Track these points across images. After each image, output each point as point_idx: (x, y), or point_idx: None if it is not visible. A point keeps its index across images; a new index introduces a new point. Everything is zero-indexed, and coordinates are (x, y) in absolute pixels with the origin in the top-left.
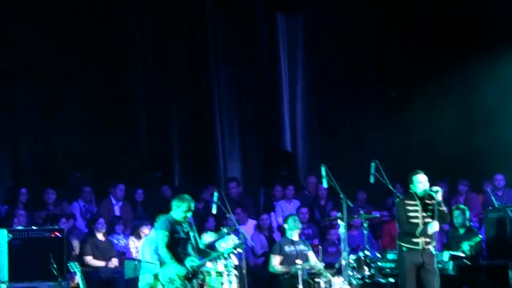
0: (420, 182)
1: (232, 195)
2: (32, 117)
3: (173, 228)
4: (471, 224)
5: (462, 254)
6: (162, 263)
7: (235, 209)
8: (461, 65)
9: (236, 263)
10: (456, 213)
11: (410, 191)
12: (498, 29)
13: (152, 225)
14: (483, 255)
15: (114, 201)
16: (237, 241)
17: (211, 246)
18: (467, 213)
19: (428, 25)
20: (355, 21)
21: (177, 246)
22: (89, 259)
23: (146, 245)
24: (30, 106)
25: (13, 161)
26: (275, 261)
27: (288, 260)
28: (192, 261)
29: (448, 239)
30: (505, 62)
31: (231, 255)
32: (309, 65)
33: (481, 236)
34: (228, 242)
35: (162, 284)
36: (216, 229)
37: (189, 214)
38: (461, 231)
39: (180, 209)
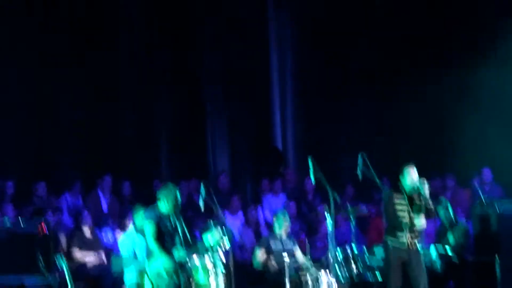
0: (411, 175)
1: (221, 187)
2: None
3: (160, 220)
4: (456, 216)
5: (447, 246)
6: (149, 255)
7: (229, 197)
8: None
9: (223, 259)
10: (439, 207)
11: (398, 185)
12: None
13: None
14: (470, 250)
15: (101, 195)
16: (223, 234)
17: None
18: (449, 206)
19: None
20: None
21: (164, 238)
22: (76, 252)
23: (125, 241)
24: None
25: None
26: (260, 255)
27: (274, 256)
28: (179, 253)
29: (436, 234)
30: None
31: (219, 251)
32: (299, 60)
33: (464, 225)
34: (215, 235)
35: (149, 278)
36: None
37: (176, 205)
38: (447, 223)
39: (166, 200)
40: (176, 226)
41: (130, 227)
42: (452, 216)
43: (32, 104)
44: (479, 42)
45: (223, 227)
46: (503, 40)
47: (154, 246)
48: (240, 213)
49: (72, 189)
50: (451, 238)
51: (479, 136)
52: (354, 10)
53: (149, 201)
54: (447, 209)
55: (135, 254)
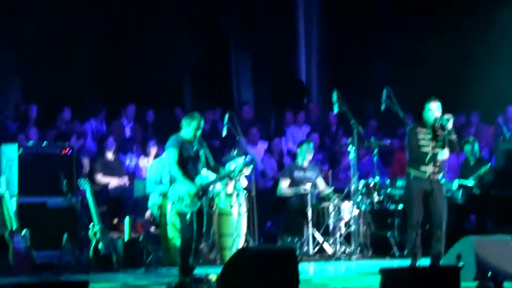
0: (433, 109)
1: (245, 117)
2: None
3: (183, 146)
4: (482, 154)
5: (470, 184)
6: (172, 181)
7: (250, 129)
8: None
9: (246, 184)
10: (466, 147)
11: (422, 119)
12: None
13: (158, 144)
14: (492, 185)
15: (125, 121)
16: (247, 160)
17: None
18: (476, 145)
19: None
20: None
21: (187, 165)
22: (99, 177)
23: (153, 165)
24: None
25: (24, 78)
26: (284, 184)
27: (297, 184)
28: (202, 179)
29: (460, 169)
30: None
31: (241, 177)
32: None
33: (489, 164)
34: (237, 163)
35: (171, 202)
36: (224, 151)
37: (199, 132)
38: (472, 162)
39: (190, 127)
40: (199, 153)
41: (159, 152)
42: (478, 154)
43: (59, 31)
44: None
45: (246, 155)
46: None
47: (177, 172)
48: (262, 144)
49: (97, 115)
50: (476, 177)
51: (505, 73)
52: None
53: (173, 128)
54: (473, 146)
55: (161, 179)
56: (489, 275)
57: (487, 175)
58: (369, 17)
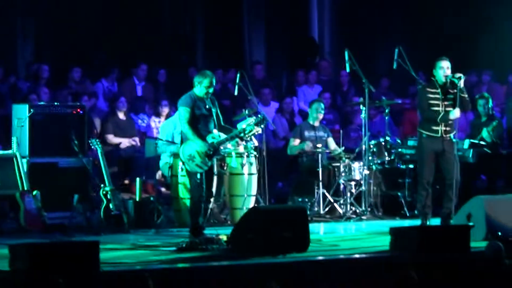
0: (444, 68)
1: (257, 77)
2: None
3: (195, 104)
4: (494, 112)
5: (482, 142)
6: (183, 140)
7: (262, 89)
8: None
9: (257, 144)
10: (479, 102)
11: (432, 78)
12: None
13: (170, 105)
14: (503, 143)
15: (136, 81)
16: (258, 118)
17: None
18: (490, 102)
19: None
20: None
21: (198, 123)
22: (111, 137)
23: (166, 125)
24: None
25: (35, 37)
26: (294, 143)
27: (308, 144)
28: (213, 137)
29: (470, 128)
30: None
31: (252, 137)
32: None
33: (498, 120)
34: (249, 122)
35: (182, 161)
36: (235, 111)
37: (211, 90)
38: (483, 119)
39: (202, 85)
40: (211, 111)
41: (170, 112)
42: (491, 111)
43: None
44: None
45: (258, 114)
46: None
47: (188, 130)
48: (273, 104)
49: (108, 75)
50: (485, 133)
51: None
52: None
53: (185, 88)
54: (488, 102)
55: (173, 139)
56: (499, 235)
57: (497, 130)
58: None
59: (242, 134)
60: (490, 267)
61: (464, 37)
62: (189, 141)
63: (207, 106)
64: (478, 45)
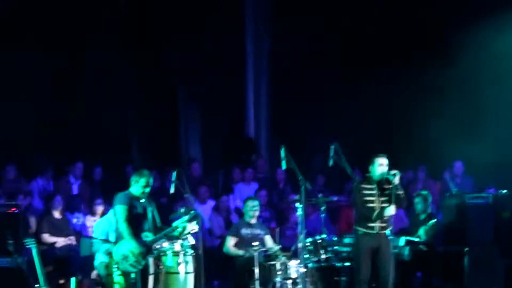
0: (381, 165)
1: (194, 174)
2: None
3: (131, 203)
4: (432, 211)
5: (418, 239)
6: (118, 239)
7: (198, 187)
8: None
9: (193, 243)
10: (417, 199)
11: (367, 175)
12: None
13: (105, 203)
14: (439, 241)
15: (72, 180)
16: (193, 219)
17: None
18: (429, 199)
19: None
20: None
21: (133, 222)
22: (46, 236)
23: (100, 224)
24: None
25: None
26: (231, 243)
27: (244, 242)
28: (146, 236)
29: (409, 225)
30: None
31: (188, 235)
32: (274, 53)
33: (435, 220)
34: (185, 221)
35: (116, 261)
36: (171, 208)
37: (147, 190)
38: (422, 217)
39: (138, 184)
40: (147, 211)
41: (105, 210)
42: (429, 210)
43: (5, 87)
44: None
45: (194, 212)
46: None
47: (124, 229)
48: (210, 202)
49: (44, 173)
50: (422, 232)
51: (450, 130)
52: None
53: (121, 187)
54: (427, 200)
55: (107, 237)
56: None
57: (433, 229)
58: (317, 72)
59: (175, 232)
60: None
61: (399, 134)
62: (124, 241)
63: (142, 206)
64: (412, 142)
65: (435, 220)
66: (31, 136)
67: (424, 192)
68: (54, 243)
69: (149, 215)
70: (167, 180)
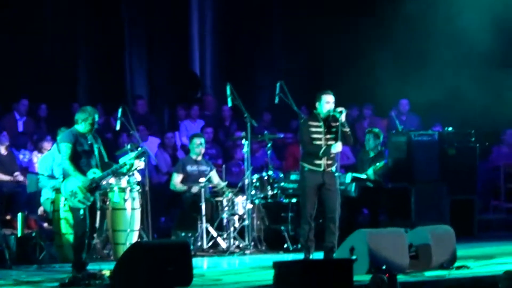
0: (327, 102)
1: (139, 112)
2: None
3: (76, 140)
4: (383, 148)
5: (365, 177)
6: (64, 176)
7: (138, 126)
8: None
9: (139, 179)
10: (368, 136)
11: (314, 112)
12: None
13: (53, 140)
14: (385, 180)
15: (18, 117)
16: (139, 156)
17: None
18: (381, 137)
19: None
20: None
21: (80, 159)
22: None
23: (45, 160)
24: None
25: None
26: (177, 179)
27: (190, 179)
28: (94, 173)
29: (356, 161)
30: None
31: (135, 171)
32: None
33: (385, 161)
34: (131, 157)
35: (64, 198)
36: (116, 144)
37: (94, 127)
38: (371, 154)
39: (84, 122)
40: (93, 147)
41: (51, 147)
42: (379, 147)
43: None
44: None
45: (139, 149)
46: None
47: (69, 166)
48: (153, 139)
49: None
50: (370, 171)
51: (396, 68)
52: None
53: (66, 123)
54: (377, 138)
55: (53, 173)
56: (383, 268)
57: (382, 170)
58: (262, 8)
59: (123, 169)
60: None
61: (346, 70)
62: (71, 177)
63: (89, 142)
64: (359, 78)
65: (385, 161)
66: None
67: (376, 130)
68: (0, 180)
69: (96, 151)
70: (112, 116)
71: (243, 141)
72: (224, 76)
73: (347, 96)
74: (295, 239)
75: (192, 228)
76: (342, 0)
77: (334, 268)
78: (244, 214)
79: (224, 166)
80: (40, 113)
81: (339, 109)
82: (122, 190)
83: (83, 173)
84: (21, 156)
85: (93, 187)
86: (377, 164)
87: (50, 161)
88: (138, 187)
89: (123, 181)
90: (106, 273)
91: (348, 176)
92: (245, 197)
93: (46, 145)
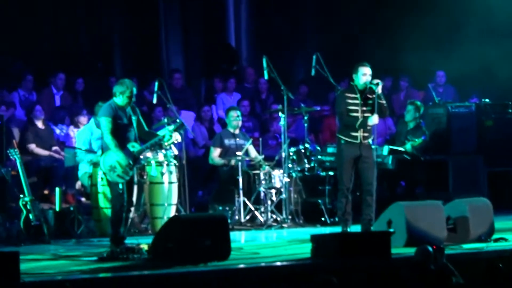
0: (364, 74)
1: (175, 86)
2: None
3: (116, 114)
4: (421, 121)
5: (402, 149)
6: (104, 150)
7: (184, 95)
8: None
9: (176, 153)
10: (409, 107)
11: (351, 83)
12: None
13: (89, 114)
14: (423, 153)
15: (54, 91)
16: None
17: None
18: (422, 110)
19: None
20: None
21: (119, 132)
22: (33, 147)
23: (82, 134)
24: None
25: None
26: (215, 153)
27: (228, 152)
28: (133, 146)
29: (395, 133)
30: None
31: (172, 145)
32: None
33: (423, 137)
34: (168, 130)
35: (103, 172)
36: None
37: (132, 99)
38: (410, 125)
39: (122, 95)
40: (131, 120)
41: (88, 121)
42: (418, 120)
43: None
44: None
45: (177, 122)
46: None
47: (110, 141)
48: (190, 112)
49: (24, 84)
50: (409, 146)
51: (431, 41)
52: None
53: (104, 97)
54: (417, 110)
55: (91, 147)
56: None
57: (420, 146)
58: None
59: (161, 142)
60: (412, 273)
61: (383, 43)
62: (110, 151)
63: (127, 115)
64: (396, 51)
65: (423, 137)
66: (12, 45)
67: (418, 102)
68: (39, 154)
69: (135, 123)
70: (146, 90)
71: (280, 114)
72: (260, 49)
73: (381, 68)
74: (333, 212)
75: (230, 202)
76: None
77: (371, 241)
78: (281, 187)
79: (260, 139)
80: (77, 87)
81: (376, 81)
82: (160, 164)
83: (123, 147)
84: (58, 131)
85: (132, 162)
86: (416, 140)
87: (87, 135)
88: (175, 161)
89: (160, 155)
90: (144, 247)
91: (385, 149)
92: (282, 170)
93: (82, 119)
